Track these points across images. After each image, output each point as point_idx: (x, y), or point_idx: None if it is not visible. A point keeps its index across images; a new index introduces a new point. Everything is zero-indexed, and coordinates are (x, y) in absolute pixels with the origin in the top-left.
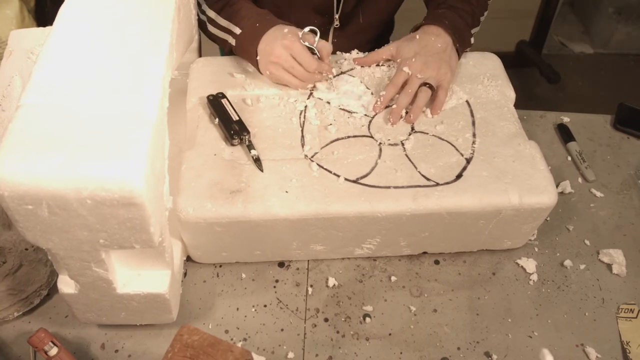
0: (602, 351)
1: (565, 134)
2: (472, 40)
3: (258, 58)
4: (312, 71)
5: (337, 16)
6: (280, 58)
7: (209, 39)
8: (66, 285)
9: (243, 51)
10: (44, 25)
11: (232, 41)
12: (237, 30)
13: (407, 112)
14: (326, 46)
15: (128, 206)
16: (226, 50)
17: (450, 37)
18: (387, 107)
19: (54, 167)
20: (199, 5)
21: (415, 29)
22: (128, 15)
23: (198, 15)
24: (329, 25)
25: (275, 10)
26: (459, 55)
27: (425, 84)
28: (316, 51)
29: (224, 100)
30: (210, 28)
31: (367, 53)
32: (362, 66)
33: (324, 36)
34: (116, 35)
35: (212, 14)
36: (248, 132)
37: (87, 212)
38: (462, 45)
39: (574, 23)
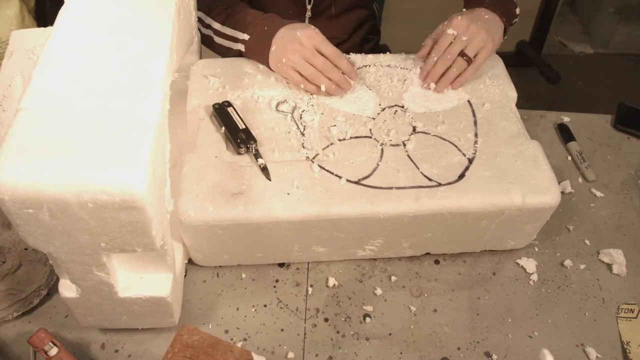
0: (602, 351)
1: (565, 133)
2: (517, 12)
3: (273, 49)
4: (337, 63)
5: (309, 7)
6: (293, 58)
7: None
8: (67, 289)
9: (254, 54)
10: (44, 26)
11: (241, 47)
12: (245, 37)
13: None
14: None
15: (129, 209)
16: (231, 55)
17: (496, 14)
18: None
19: (54, 171)
20: (201, 20)
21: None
22: (128, 18)
23: (200, 30)
24: (304, 16)
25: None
26: (505, 33)
27: (463, 55)
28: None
29: (229, 109)
30: (217, 39)
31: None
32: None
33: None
34: (116, 38)
35: (217, 25)
36: (255, 141)
37: (88, 216)
38: (507, 19)
39: (574, 23)
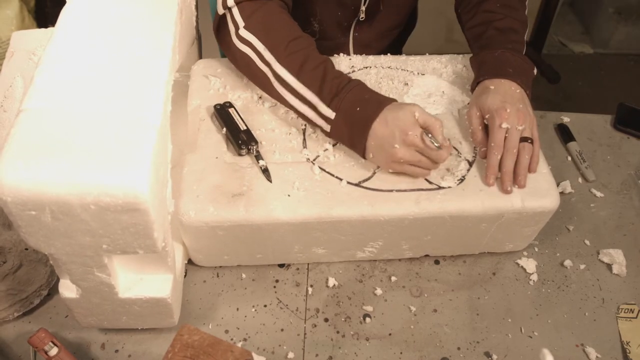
0: (602, 351)
1: (565, 134)
2: (535, 72)
3: (372, 156)
4: (442, 162)
5: (363, 8)
6: (405, 156)
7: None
8: (67, 289)
9: (340, 138)
10: (44, 26)
11: (324, 125)
12: (330, 114)
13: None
14: (437, 125)
15: (132, 212)
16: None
17: (519, 85)
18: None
19: (57, 173)
20: (250, 44)
21: (476, 83)
22: (131, 18)
23: (235, 44)
24: (352, 19)
25: (300, 4)
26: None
27: (524, 139)
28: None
29: (231, 110)
30: (278, 87)
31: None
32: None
33: (347, 30)
34: (119, 39)
35: (284, 72)
36: (256, 142)
37: (90, 218)
38: (529, 88)
39: (574, 23)
